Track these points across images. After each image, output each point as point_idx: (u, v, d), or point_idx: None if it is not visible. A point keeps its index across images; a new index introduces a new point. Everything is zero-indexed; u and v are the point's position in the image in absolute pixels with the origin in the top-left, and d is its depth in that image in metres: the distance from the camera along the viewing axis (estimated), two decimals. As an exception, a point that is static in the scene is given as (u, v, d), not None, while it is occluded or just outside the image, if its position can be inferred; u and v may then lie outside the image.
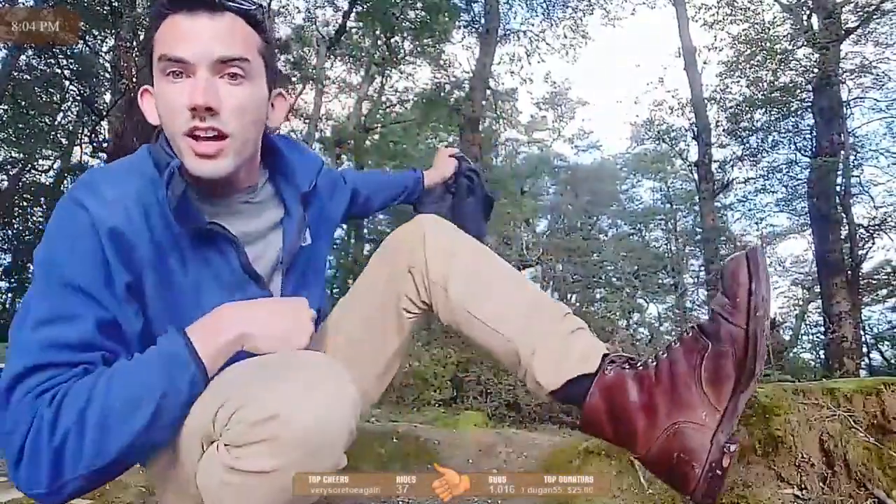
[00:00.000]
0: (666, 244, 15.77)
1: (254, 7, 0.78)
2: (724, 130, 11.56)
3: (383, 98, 14.46)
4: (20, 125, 9.67)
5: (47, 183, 13.61)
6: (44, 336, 0.66)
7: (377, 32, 10.68)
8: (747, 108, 10.77)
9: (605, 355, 0.81)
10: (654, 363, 0.77)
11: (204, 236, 0.78)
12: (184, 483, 0.75)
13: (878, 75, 9.62)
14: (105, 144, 7.32)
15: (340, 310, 1.01)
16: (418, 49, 11.64)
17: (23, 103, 9.21)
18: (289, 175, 0.89)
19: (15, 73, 8.77)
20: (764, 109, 10.67)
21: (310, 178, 0.90)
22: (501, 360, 0.89)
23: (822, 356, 9.91)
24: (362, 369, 0.93)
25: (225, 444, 0.62)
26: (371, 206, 1.26)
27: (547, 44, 11.66)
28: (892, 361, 10.98)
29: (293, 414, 0.59)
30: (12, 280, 16.34)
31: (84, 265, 0.70)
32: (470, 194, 1.41)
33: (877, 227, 9.65)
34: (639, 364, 0.79)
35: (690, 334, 0.76)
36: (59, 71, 7.75)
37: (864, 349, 10.41)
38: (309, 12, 11.82)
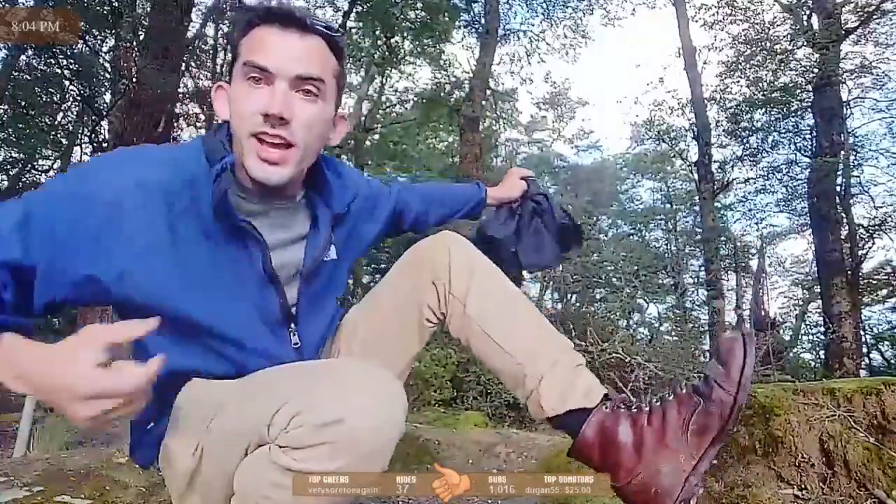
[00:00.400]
0: (666, 244, 15.75)
1: (338, 34, 0.84)
2: (724, 130, 11.57)
3: (383, 98, 14.46)
4: (20, 125, 9.66)
5: (47, 183, 13.59)
6: None
7: (377, 32, 10.67)
8: (747, 108, 10.77)
9: (605, 394, 0.89)
10: (648, 409, 0.85)
11: (234, 234, 0.80)
12: (208, 485, 0.77)
13: (878, 75, 9.63)
14: (105, 144, 7.32)
15: (358, 313, 1.02)
16: (418, 49, 11.64)
17: (23, 103, 9.20)
18: (325, 194, 0.91)
19: (15, 73, 8.77)
20: (764, 109, 10.67)
21: (344, 202, 0.93)
22: (503, 378, 0.94)
23: (822, 356, 9.91)
24: None
25: (281, 446, 0.64)
26: (425, 221, 1.23)
27: (547, 44, 11.68)
28: (892, 361, 10.98)
29: (356, 418, 0.63)
30: (12, 280, 16.34)
31: (64, 219, 0.70)
32: (537, 220, 1.32)
33: (877, 227, 9.66)
34: (633, 407, 0.87)
35: (685, 391, 0.85)
36: (59, 71, 7.74)
37: (864, 349, 10.42)
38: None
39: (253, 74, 0.78)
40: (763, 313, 9.44)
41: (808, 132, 10.29)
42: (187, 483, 0.80)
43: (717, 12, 10.97)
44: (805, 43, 9.44)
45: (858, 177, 9.96)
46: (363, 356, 0.96)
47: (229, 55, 0.88)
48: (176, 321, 0.76)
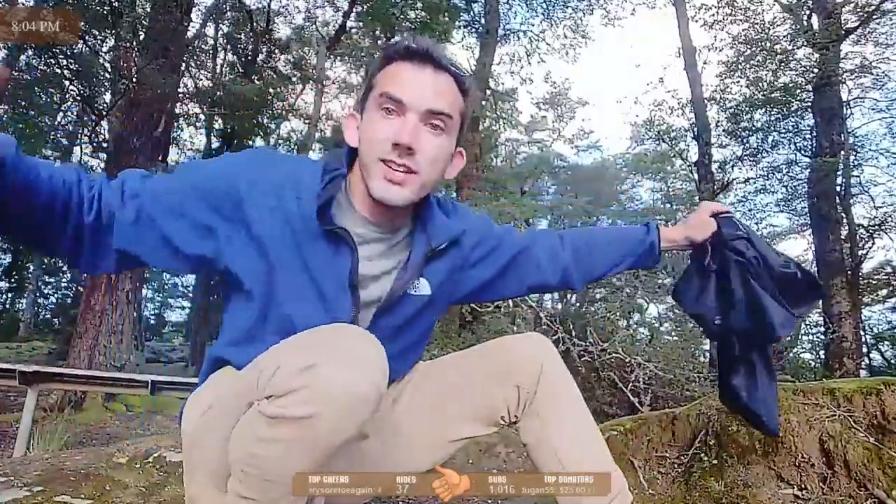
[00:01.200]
0: (666, 244, 15.72)
1: (467, 76, 0.90)
2: (724, 130, 11.57)
3: (383, 98, 14.41)
4: (20, 125, 9.67)
5: (47, 183, 13.57)
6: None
7: (377, 32, 10.68)
8: (747, 108, 10.77)
9: None
10: None
11: (328, 238, 0.84)
12: (207, 461, 0.82)
13: (878, 75, 9.62)
14: (105, 144, 7.32)
15: (431, 369, 1.04)
16: (418, 49, 11.60)
17: (23, 103, 9.21)
18: (427, 227, 0.93)
19: (15, 73, 8.76)
20: (764, 109, 10.67)
21: (444, 237, 0.93)
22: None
23: (822, 356, 9.91)
24: (427, 435, 0.98)
25: (268, 397, 0.67)
26: (582, 277, 1.10)
27: (547, 44, 11.71)
28: (892, 361, 10.98)
29: (329, 364, 0.66)
30: (12, 280, 16.34)
31: (206, 189, 0.83)
32: (744, 275, 0.97)
33: (877, 227, 9.67)
34: None
35: None
36: (59, 71, 7.74)
37: (864, 349, 10.42)
38: (309, 12, 11.83)
39: (387, 105, 0.84)
40: (763, 313, 9.42)
41: (808, 132, 10.30)
42: (189, 446, 0.85)
43: (717, 12, 10.98)
44: (805, 43, 9.44)
45: (858, 177, 9.98)
46: (425, 408, 0.98)
47: (360, 87, 0.92)
48: (252, 300, 0.84)
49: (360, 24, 11.09)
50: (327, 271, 0.84)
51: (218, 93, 9.37)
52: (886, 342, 11.44)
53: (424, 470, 0.98)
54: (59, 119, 11.51)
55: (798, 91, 9.87)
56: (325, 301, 0.84)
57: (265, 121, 12.10)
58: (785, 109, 10.37)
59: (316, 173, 0.86)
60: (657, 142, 13.65)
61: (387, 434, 0.95)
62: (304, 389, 0.65)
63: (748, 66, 10.50)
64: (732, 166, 12.00)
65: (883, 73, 9.54)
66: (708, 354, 8.99)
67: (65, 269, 17.02)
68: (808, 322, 12.22)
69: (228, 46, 11.97)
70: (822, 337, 9.60)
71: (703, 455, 1.60)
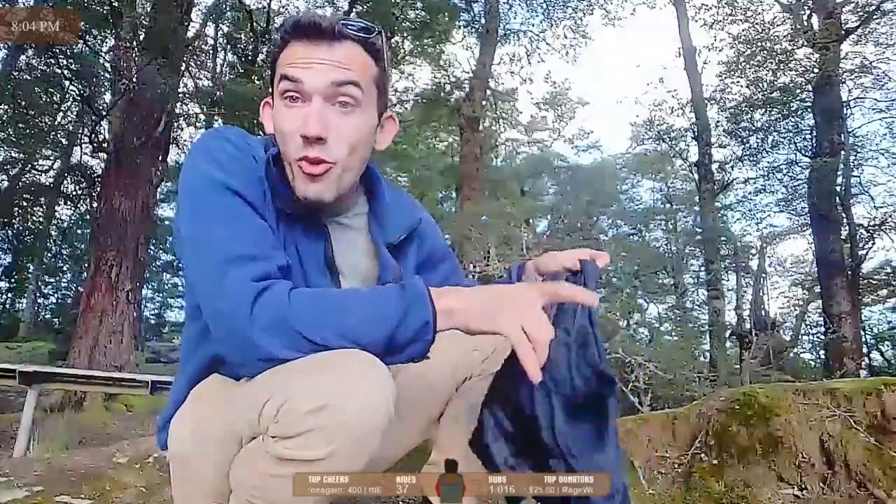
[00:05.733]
0: (666, 244, 15.75)
1: (372, 35, 0.80)
2: (724, 130, 11.58)
3: (383, 98, 14.43)
4: (20, 125, 9.67)
5: (47, 183, 13.62)
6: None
7: (377, 32, 10.68)
8: (747, 108, 10.78)
9: None
10: None
11: (297, 221, 0.81)
12: (199, 474, 0.78)
13: (878, 75, 9.64)
14: (105, 144, 7.31)
15: None
16: (418, 49, 11.64)
17: (23, 103, 9.20)
18: (380, 217, 0.90)
19: (15, 73, 8.77)
20: (764, 109, 10.69)
21: (399, 229, 0.90)
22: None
23: (822, 356, 9.92)
24: (422, 411, 1.02)
25: (273, 437, 0.65)
26: None
27: (547, 44, 11.70)
28: (892, 361, 10.99)
29: (341, 402, 0.63)
30: (12, 280, 16.35)
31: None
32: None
33: (877, 227, 9.68)
34: None
35: None
36: (59, 71, 7.73)
37: (864, 349, 10.42)
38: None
39: (290, 93, 0.77)
40: (763, 313, 9.44)
41: (808, 132, 10.31)
42: (181, 467, 0.81)
43: (717, 12, 10.99)
44: (805, 43, 9.44)
45: (858, 177, 10.02)
46: (407, 388, 0.94)
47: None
48: None
49: (360, 24, 11.07)
50: (309, 254, 0.82)
51: (218, 93, 9.37)
52: (886, 342, 11.46)
53: (416, 445, 1.04)
54: (59, 119, 11.51)
55: (798, 91, 9.88)
56: (309, 285, 0.79)
57: (265, 121, 12.09)
58: (785, 109, 10.39)
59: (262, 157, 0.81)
60: (657, 142, 13.67)
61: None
62: (315, 431, 0.62)
63: (748, 66, 10.51)
64: (732, 166, 12.03)
65: (883, 73, 9.57)
66: (708, 355, 9.00)
67: (65, 268, 17.04)
68: (808, 322, 12.25)
69: (228, 46, 11.97)
70: (822, 337, 9.61)
71: (703, 455, 1.60)
